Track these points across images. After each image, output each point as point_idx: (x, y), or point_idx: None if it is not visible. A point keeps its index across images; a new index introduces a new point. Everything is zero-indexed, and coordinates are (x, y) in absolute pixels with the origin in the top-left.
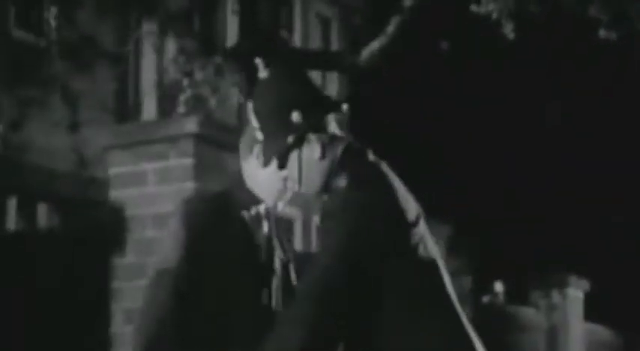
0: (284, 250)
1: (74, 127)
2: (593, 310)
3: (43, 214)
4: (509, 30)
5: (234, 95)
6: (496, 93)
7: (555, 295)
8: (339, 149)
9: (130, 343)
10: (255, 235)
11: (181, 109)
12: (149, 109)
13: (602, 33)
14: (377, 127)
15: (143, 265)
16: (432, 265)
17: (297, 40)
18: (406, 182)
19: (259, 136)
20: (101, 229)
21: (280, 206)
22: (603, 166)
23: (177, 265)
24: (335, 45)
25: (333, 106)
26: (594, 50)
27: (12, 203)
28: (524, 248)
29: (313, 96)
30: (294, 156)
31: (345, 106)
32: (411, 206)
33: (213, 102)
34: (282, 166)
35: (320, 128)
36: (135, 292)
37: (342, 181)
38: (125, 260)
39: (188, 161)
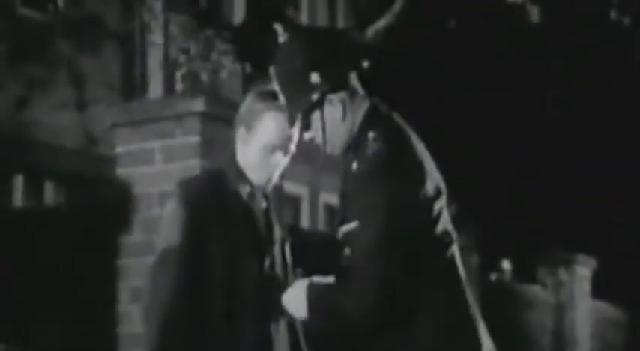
0: (281, 225)
1: (81, 105)
2: (600, 288)
3: (49, 192)
4: (534, 13)
5: (226, 66)
6: (501, 72)
7: (562, 273)
8: (362, 109)
9: (136, 321)
10: (253, 210)
11: (179, 85)
12: (155, 87)
13: (614, 15)
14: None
15: (150, 243)
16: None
17: (303, 18)
18: None
19: (282, 98)
20: (108, 207)
21: (269, 186)
22: (613, 143)
23: (179, 244)
24: (341, 23)
25: (354, 64)
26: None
27: (19, 181)
28: (532, 226)
29: (333, 55)
30: (316, 117)
31: (366, 63)
32: (433, 177)
33: (205, 76)
34: (306, 126)
35: (340, 87)
36: (142, 270)
37: (373, 145)
38: (132, 238)
39: (194, 139)
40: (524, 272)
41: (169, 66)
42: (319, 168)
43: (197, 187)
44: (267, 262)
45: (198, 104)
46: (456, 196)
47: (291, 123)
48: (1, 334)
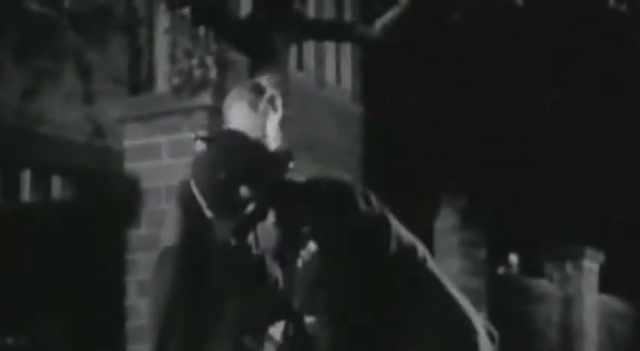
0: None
1: (88, 99)
2: (608, 282)
3: (57, 186)
4: None
5: (209, 65)
6: (508, 66)
7: (570, 267)
8: (294, 212)
9: (144, 314)
10: None
11: (176, 81)
12: (162, 81)
13: (612, 2)
14: (390, 98)
15: (157, 237)
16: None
17: (310, 11)
18: (421, 153)
19: (208, 213)
20: (115, 201)
21: None
22: (621, 137)
23: (178, 243)
24: (348, 15)
25: (280, 167)
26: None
27: (26, 175)
28: (539, 220)
29: (257, 165)
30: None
31: (291, 164)
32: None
33: (197, 73)
34: (240, 241)
35: (270, 197)
36: (149, 263)
37: (308, 249)
38: (139, 232)
39: (202, 134)
40: (532, 266)
41: (173, 61)
42: (324, 161)
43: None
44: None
45: (205, 99)
46: (465, 190)
47: (223, 238)
48: (9, 327)
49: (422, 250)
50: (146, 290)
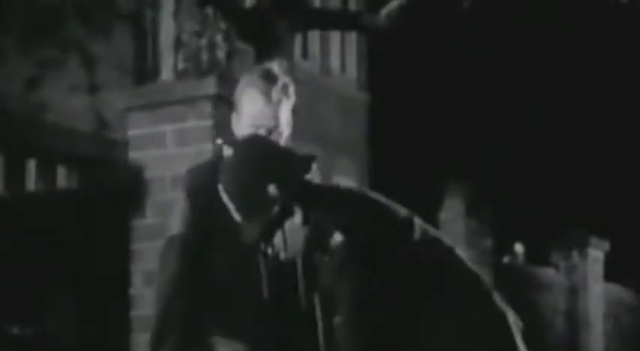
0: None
1: (93, 88)
2: (613, 271)
3: (62, 175)
4: None
5: (219, 44)
6: (516, 52)
7: (575, 256)
8: (318, 210)
9: (149, 304)
10: None
11: (181, 65)
12: (167, 69)
13: None
14: (396, 86)
15: (162, 226)
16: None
17: (316, 1)
18: (427, 141)
19: (237, 216)
20: (120, 190)
21: None
22: (626, 126)
23: (184, 231)
24: (354, 4)
25: (304, 168)
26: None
27: (31, 164)
28: (545, 209)
29: (283, 165)
30: (276, 228)
31: (314, 166)
32: (399, 211)
33: (204, 55)
34: (267, 242)
35: (298, 195)
36: (154, 253)
37: (335, 240)
38: (145, 221)
39: (207, 123)
40: (537, 255)
41: (179, 48)
42: (330, 151)
43: (201, 174)
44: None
45: (210, 87)
46: (470, 179)
47: (250, 240)
48: (15, 316)
49: (447, 239)
50: (151, 280)
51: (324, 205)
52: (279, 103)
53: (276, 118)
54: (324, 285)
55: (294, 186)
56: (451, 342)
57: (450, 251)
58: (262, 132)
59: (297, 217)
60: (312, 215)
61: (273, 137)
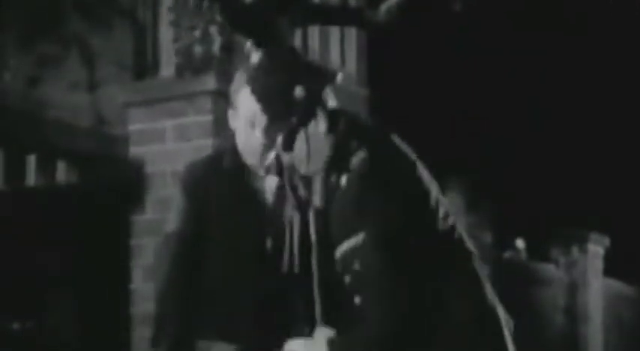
0: (298, 199)
1: (93, 84)
2: (613, 266)
3: (62, 171)
4: None
5: (213, 37)
6: (513, 48)
7: (575, 251)
8: (342, 122)
9: (150, 299)
10: (256, 188)
11: (177, 58)
12: (167, 65)
13: None
14: (396, 83)
15: (162, 221)
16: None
17: None
18: (426, 137)
19: (262, 119)
20: (120, 186)
21: (265, 163)
22: (625, 120)
23: (180, 228)
24: (353, 1)
25: (331, 77)
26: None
27: (31, 160)
28: (545, 204)
29: (311, 69)
30: (300, 135)
31: (339, 76)
32: (426, 177)
33: (199, 49)
34: (288, 147)
35: (322, 101)
36: (154, 248)
37: (358, 157)
38: (144, 217)
39: (206, 118)
40: (538, 250)
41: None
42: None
43: (199, 171)
44: (270, 243)
45: (210, 83)
46: (471, 174)
47: (272, 143)
48: (15, 312)
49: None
50: (151, 275)
51: (352, 122)
52: None
53: None
54: (337, 213)
55: (320, 91)
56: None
57: (461, 241)
58: (259, 128)
59: (322, 125)
60: (339, 127)
61: (271, 133)
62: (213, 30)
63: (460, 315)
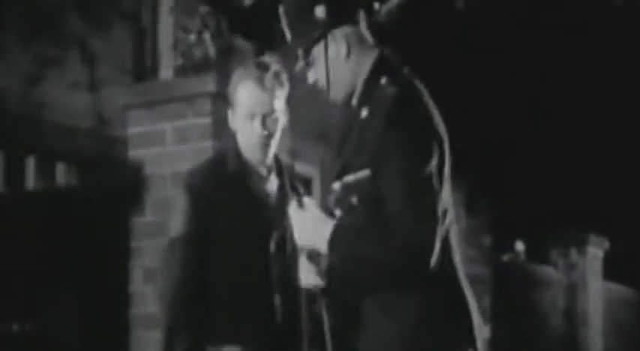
0: (299, 198)
1: (92, 86)
2: (612, 269)
3: (61, 172)
4: None
5: (206, 41)
6: (513, 50)
7: (574, 254)
8: (370, 57)
9: (149, 301)
10: (259, 190)
11: (178, 61)
12: (166, 67)
13: None
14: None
15: (162, 223)
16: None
17: None
18: None
19: (288, 36)
20: (120, 188)
21: (264, 161)
22: (624, 123)
23: (186, 232)
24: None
25: (363, 3)
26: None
27: (31, 162)
28: (544, 206)
29: None
30: (320, 56)
31: (376, 5)
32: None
33: (198, 52)
34: (307, 62)
35: (345, 23)
36: (154, 250)
37: (386, 89)
38: (144, 219)
39: (206, 120)
40: (537, 253)
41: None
42: (331, 148)
43: (202, 174)
44: (275, 242)
45: (210, 85)
46: (469, 177)
47: (292, 59)
48: (15, 313)
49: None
50: (151, 277)
51: (384, 58)
52: (272, 89)
53: (270, 103)
54: (350, 142)
55: (347, 13)
56: None
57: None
58: (258, 118)
59: (343, 47)
60: (368, 58)
61: (269, 124)
62: (208, 37)
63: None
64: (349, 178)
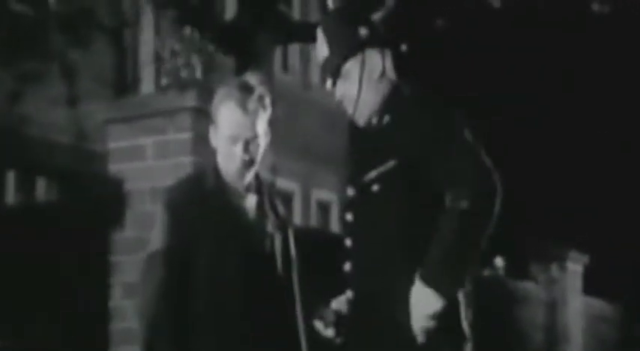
0: (277, 215)
1: (73, 101)
2: (592, 285)
3: (41, 187)
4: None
5: (194, 64)
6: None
7: (554, 269)
8: (393, 81)
9: (129, 316)
10: (238, 206)
11: (164, 80)
12: (147, 82)
13: (596, 6)
14: None
15: (142, 238)
16: None
17: (296, 12)
18: None
19: (325, 51)
20: (100, 202)
21: (244, 180)
22: (605, 139)
23: (165, 248)
24: None
25: (399, 30)
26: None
27: (11, 177)
28: (524, 222)
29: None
30: (353, 73)
31: (404, 47)
32: None
33: (184, 73)
34: (335, 76)
35: (385, 45)
36: (134, 266)
37: (409, 95)
38: (124, 234)
39: (186, 135)
40: (517, 268)
41: (159, 62)
42: (312, 164)
43: (181, 191)
44: (255, 257)
45: (190, 100)
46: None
47: (327, 72)
48: None
49: None
50: (131, 292)
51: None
52: (255, 113)
53: (253, 128)
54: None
55: (389, 36)
56: None
57: None
58: (240, 143)
59: (378, 67)
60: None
61: (251, 149)
62: (196, 60)
63: None
64: (371, 174)
